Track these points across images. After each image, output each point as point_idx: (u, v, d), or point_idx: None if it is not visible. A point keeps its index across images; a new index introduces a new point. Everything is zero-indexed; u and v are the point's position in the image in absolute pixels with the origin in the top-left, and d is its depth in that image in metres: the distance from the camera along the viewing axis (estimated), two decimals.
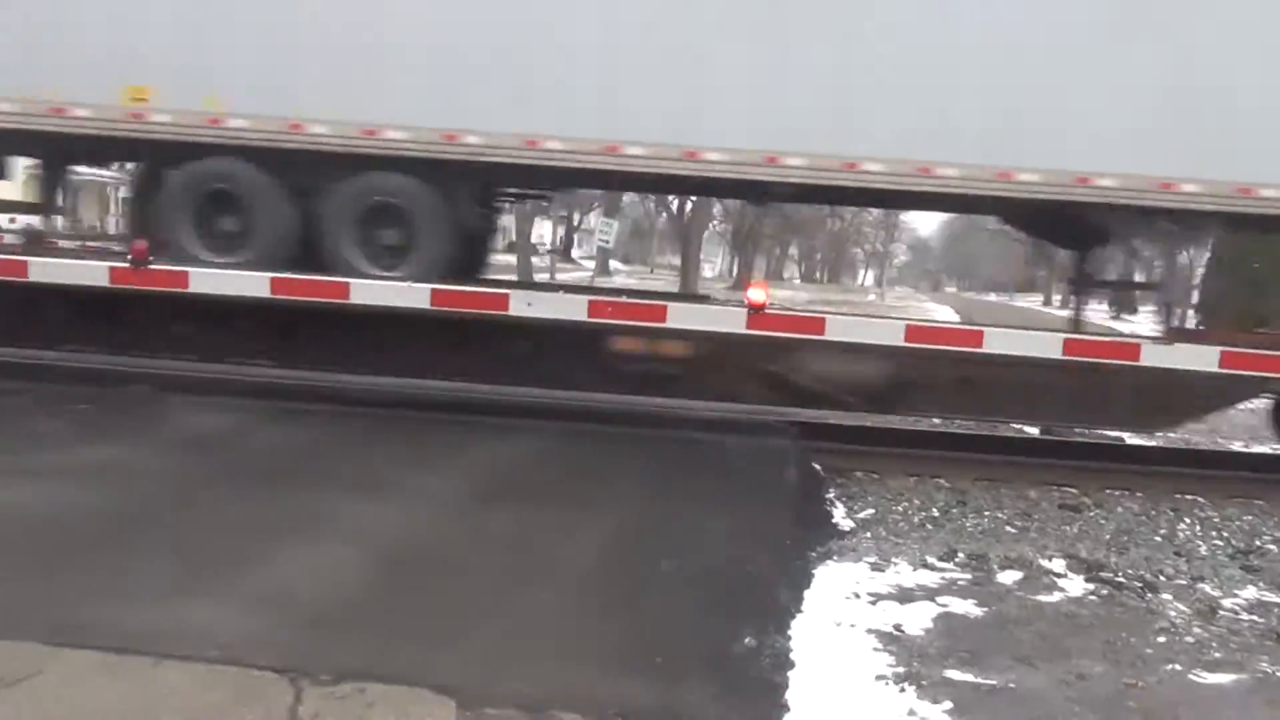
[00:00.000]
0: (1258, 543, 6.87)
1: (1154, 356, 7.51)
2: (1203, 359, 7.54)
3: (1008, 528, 6.81)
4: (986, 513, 7.14)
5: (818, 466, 7.81)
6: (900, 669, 4.11)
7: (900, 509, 7.09)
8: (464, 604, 4.29)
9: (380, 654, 3.72)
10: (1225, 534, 7.04)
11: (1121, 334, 9.47)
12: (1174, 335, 8.57)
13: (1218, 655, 4.66)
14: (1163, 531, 7.00)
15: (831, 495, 7.24)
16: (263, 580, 4.37)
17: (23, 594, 4.09)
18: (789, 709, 3.60)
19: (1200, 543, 6.77)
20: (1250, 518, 7.49)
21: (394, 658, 3.70)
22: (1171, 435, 10.30)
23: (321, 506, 5.55)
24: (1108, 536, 6.75)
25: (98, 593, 4.14)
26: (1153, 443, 10.18)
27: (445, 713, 3.35)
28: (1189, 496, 7.96)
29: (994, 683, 4.04)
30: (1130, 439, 10.25)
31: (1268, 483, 8.33)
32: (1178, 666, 4.48)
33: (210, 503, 5.57)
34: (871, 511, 6.95)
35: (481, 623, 4.11)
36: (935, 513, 7.06)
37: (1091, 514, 7.30)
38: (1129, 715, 3.85)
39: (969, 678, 4.07)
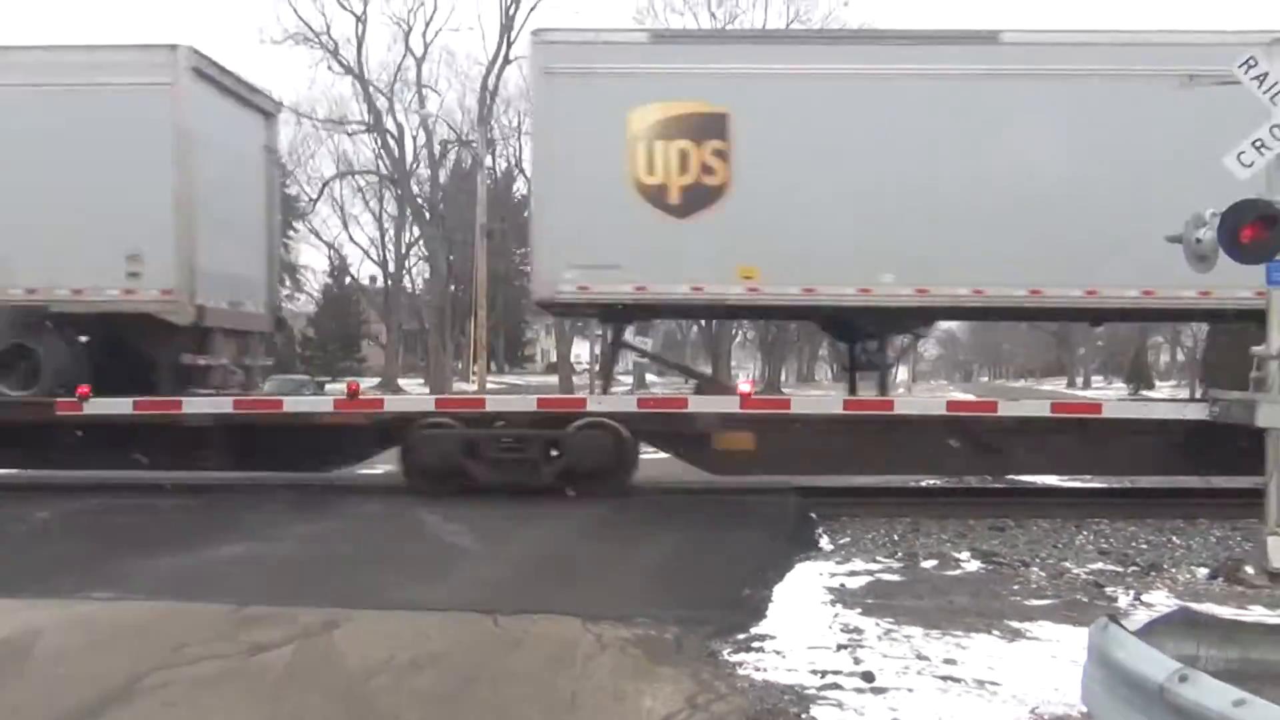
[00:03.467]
0: (1132, 544, 9.53)
1: None
2: None
3: (946, 543, 9.54)
4: (933, 534, 9.86)
5: (813, 514, 10.62)
6: (836, 600, 6.93)
7: (869, 536, 9.82)
8: (576, 577, 7.21)
9: (533, 601, 6.60)
10: (1109, 539, 9.72)
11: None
12: None
13: (1048, 593, 7.40)
14: (1063, 541, 9.67)
15: (819, 530, 10.02)
16: (456, 579, 7.31)
17: (325, 586, 7.03)
18: (765, 616, 6.43)
19: (1084, 544, 9.46)
20: (1134, 529, 10.14)
21: (541, 602, 6.57)
22: (1106, 475, 13.08)
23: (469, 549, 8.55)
24: (1020, 544, 9.45)
25: (364, 587, 7.08)
26: (1088, 484, 13.01)
27: (575, 623, 6.19)
28: (1096, 519, 10.63)
29: (890, 603, 6.83)
30: (1067, 481, 13.07)
31: (1167, 507, 10.99)
32: (1018, 598, 7.23)
33: (389, 551, 8.59)
34: (847, 539, 9.70)
35: (587, 586, 7.00)
36: (895, 537, 9.80)
37: (1012, 531, 10.02)
38: (967, 615, 6.60)
39: (877, 602, 6.87)
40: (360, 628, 6.10)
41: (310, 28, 38.84)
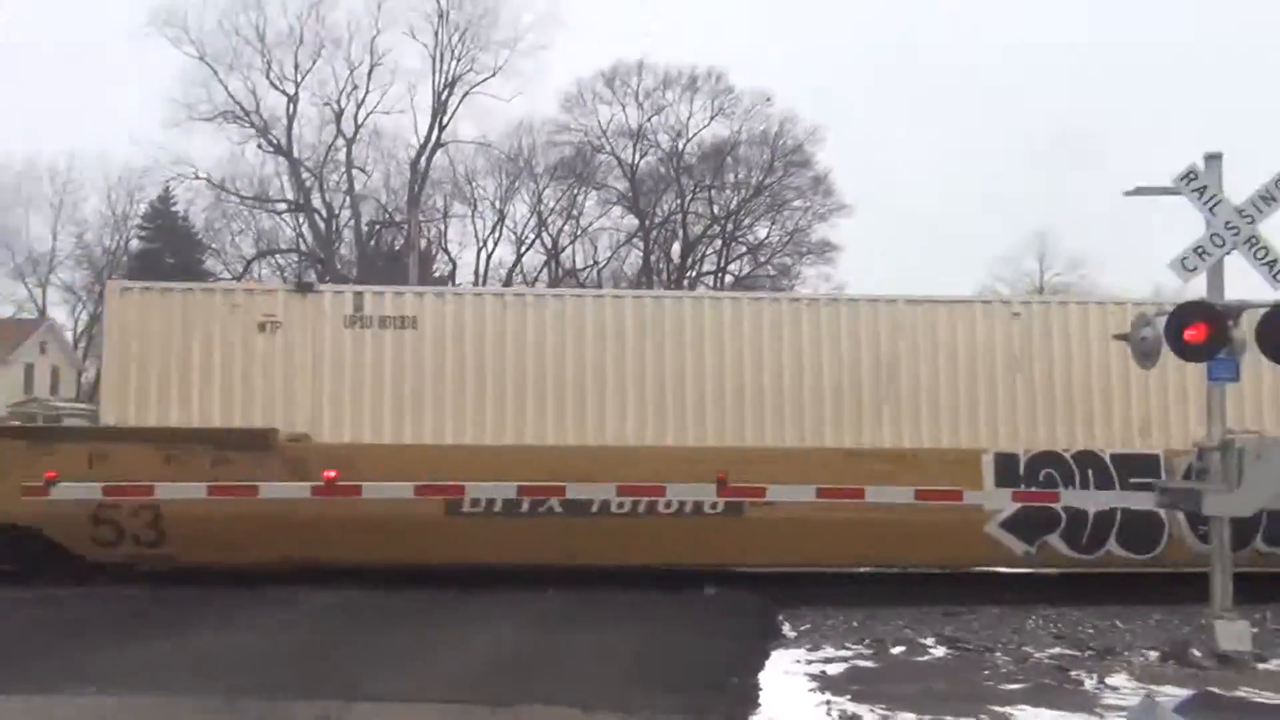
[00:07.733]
0: (1079, 628, 9.91)
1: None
2: None
3: (905, 629, 9.78)
4: (891, 621, 10.11)
5: (770, 601, 10.79)
6: (822, 686, 7.10)
7: (830, 623, 10.03)
8: (556, 668, 7.25)
9: (520, 693, 6.62)
10: (1056, 624, 10.08)
11: None
12: None
13: (1019, 677, 7.68)
14: (1014, 625, 10.01)
15: (780, 617, 10.19)
16: (435, 670, 7.29)
17: (308, 677, 6.95)
18: (759, 704, 6.57)
19: (1036, 629, 9.81)
20: (1077, 614, 10.53)
21: (529, 694, 6.60)
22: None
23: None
24: (978, 630, 9.75)
25: (345, 679, 7.02)
26: (1026, 571, 13.43)
27: (574, 713, 6.25)
28: (1044, 605, 11.01)
29: (875, 689, 7.03)
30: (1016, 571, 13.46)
31: (1102, 592, 11.43)
32: (991, 683, 7.49)
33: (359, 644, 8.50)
34: (808, 625, 9.89)
35: (571, 677, 7.06)
36: (855, 624, 10.02)
37: (966, 617, 10.33)
38: (950, 700, 6.83)
39: (859, 687, 7.06)
40: None
41: (241, 106, 38.87)
